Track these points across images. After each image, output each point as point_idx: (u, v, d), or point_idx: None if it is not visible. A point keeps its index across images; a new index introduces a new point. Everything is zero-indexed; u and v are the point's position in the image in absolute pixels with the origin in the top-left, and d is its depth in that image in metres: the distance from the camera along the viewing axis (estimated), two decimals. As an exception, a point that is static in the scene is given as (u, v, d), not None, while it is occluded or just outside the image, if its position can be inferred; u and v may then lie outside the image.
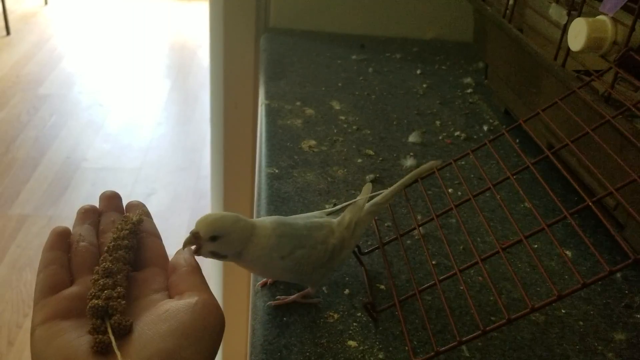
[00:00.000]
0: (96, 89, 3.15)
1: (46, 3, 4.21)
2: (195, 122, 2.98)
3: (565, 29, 0.60)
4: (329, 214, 0.52)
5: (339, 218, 0.51)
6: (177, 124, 2.97)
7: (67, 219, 2.19)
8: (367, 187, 0.53)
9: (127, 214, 0.46)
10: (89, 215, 0.47)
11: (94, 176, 2.46)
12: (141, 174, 2.52)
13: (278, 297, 0.51)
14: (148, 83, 3.32)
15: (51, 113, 2.87)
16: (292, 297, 0.50)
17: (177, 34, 3.98)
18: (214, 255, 0.45)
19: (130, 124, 2.89)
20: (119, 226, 0.44)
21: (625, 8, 0.54)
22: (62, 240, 0.43)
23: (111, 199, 0.49)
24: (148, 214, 0.47)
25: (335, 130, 0.79)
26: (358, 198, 0.52)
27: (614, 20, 0.55)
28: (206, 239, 0.44)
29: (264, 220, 0.48)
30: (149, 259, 0.44)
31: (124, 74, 3.37)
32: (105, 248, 0.42)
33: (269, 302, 0.50)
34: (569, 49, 0.59)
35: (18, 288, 1.90)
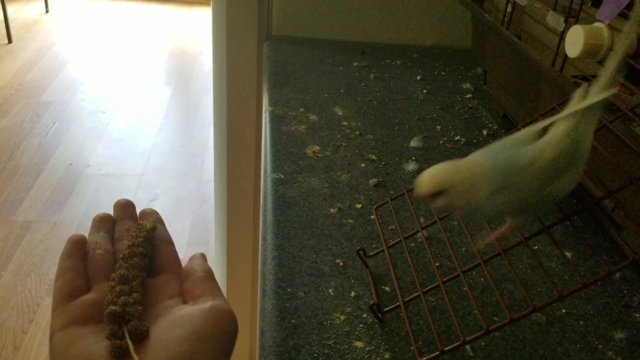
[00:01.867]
0: (99, 96, 3.17)
1: (47, 11, 4.23)
2: (197, 128, 2.99)
3: (562, 36, 0.62)
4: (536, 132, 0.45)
5: (547, 135, 0.44)
6: (179, 129, 2.99)
7: (71, 225, 2.20)
8: (579, 92, 0.46)
9: (141, 221, 0.48)
10: (104, 223, 0.48)
11: (97, 182, 2.48)
12: (144, 180, 2.53)
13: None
14: (150, 89, 3.33)
15: (54, 120, 2.89)
16: (497, 231, 0.48)
17: (179, 40, 4.00)
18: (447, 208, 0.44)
19: (132, 130, 2.91)
20: (134, 234, 0.45)
21: (621, 15, 0.56)
22: (78, 248, 0.44)
23: (125, 207, 0.50)
24: (161, 221, 0.49)
25: (338, 136, 0.81)
26: (569, 107, 0.45)
27: (610, 27, 0.56)
28: (432, 196, 0.43)
29: (475, 159, 0.45)
30: (163, 266, 0.45)
31: (126, 80, 3.39)
32: (121, 255, 0.43)
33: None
34: (566, 55, 0.60)
35: (23, 294, 1.91)
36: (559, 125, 0.44)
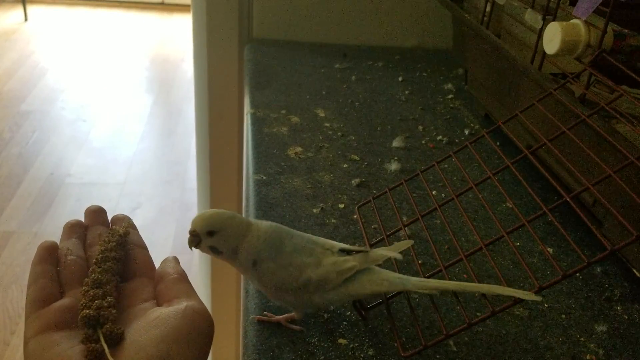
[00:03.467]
0: (79, 104, 3.14)
1: (26, 19, 4.20)
2: (179, 135, 2.98)
3: (540, 33, 0.62)
4: (345, 250, 0.48)
5: (340, 258, 0.47)
6: (161, 137, 2.97)
7: (53, 235, 2.17)
8: (399, 246, 0.49)
9: (114, 226, 0.47)
10: (75, 229, 0.48)
11: (79, 191, 2.45)
12: (126, 188, 2.51)
13: (265, 312, 0.50)
14: (131, 97, 3.31)
15: (34, 129, 2.86)
16: (277, 317, 0.50)
17: (160, 47, 3.99)
18: (213, 250, 0.47)
19: (113, 138, 2.88)
20: (106, 239, 0.45)
21: (597, 11, 0.56)
22: (50, 254, 0.44)
23: (97, 213, 0.50)
24: (134, 226, 0.48)
25: (320, 137, 0.81)
26: (381, 249, 0.49)
27: (587, 23, 0.57)
28: (204, 234, 0.46)
29: (262, 223, 0.49)
30: (136, 270, 0.45)
31: (106, 88, 3.36)
32: (94, 260, 0.43)
33: (253, 317, 0.50)
34: (545, 52, 0.61)
35: (4, 305, 1.88)
36: (353, 260, 0.47)
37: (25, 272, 2.02)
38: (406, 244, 0.50)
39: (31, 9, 4.34)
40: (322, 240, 0.49)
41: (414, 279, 0.46)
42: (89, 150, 2.75)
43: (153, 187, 2.55)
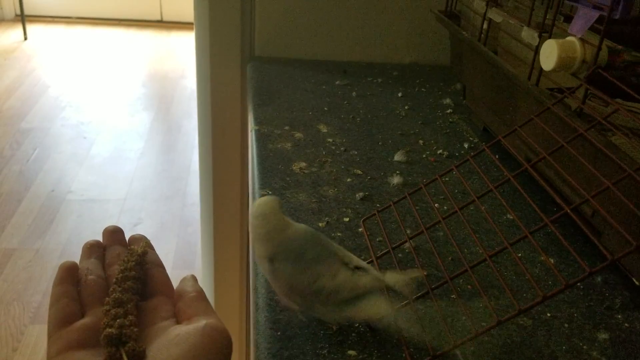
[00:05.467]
0: (79, 122, 3.16)
1: (26, 38, 4.23)
2: (179, 151, 2.99)
3: (537, 50, 0.64)
4: (360, 267, 0.50)
5: (354, 274, 0.49)
6: (161, 153, 2.99)
7: (54, 252, 2.18)
8: (411, 273, 0.50)
9: (132, 246, 0.49)
10: (94, 249, 0.49)
11: (80, 208, 2.46)
12: (127, 204, 2.52)
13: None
14: (131, 113, 3.33)
15: (34, 146, 2.88)
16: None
17: (159, 64, 4.01)
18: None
19: (114, 154, 2.90)
20: (125, 258, 0.46)
21: (592, 29, 0.58)
22: (70, 274, 0.45)
23: (114, 234, 0.51)
24: (151, 246, 0.50)
25: (324, 152, 0.82)
26: (395, 274, 0.50)
27: (582, 40, 0.59)
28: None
29: (299, 226, 0.51)
30: (155, 288, 0.46)
31: (106, 105, 3.38)
32: (114, 280, 0.44)
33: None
34: (541, 68, 0.63)
35: (6, 322, 1.88)
36: (366, 277, 0.49)
37: (27, 289, 2.02)
38: (418, 272, 0.52)
39: (30, 27, 4.37)
40: (343, 252, 0.51)
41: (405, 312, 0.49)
42: (90, 166, 2.76)
43: (153, 203, 2.56)
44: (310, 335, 0.51)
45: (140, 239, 0.50)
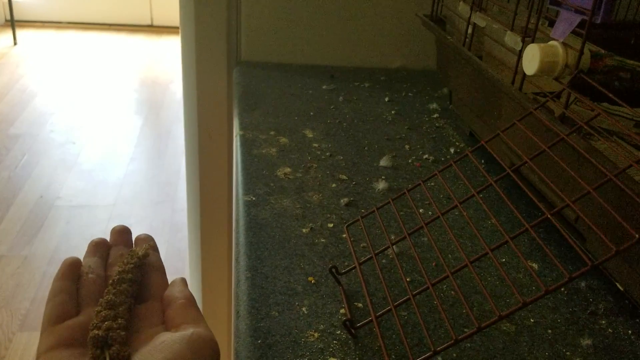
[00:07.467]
0: (68, 127, 3.14)
1: (15, 43, 4.21)
2: (168, 157, 2.98)
3: (520, 55, 0.64)
4: None
5: None
6: (151, 158, 2.97)
7: (43, 259, 2.16)
8: None
9: (134, 248, 0.48)
10: (99, 248, 0.49)
11: (69, 214, 2.44)
12: (116, 210, 2.51)
13: None
14: (120, 119, 3.32)
15: (23, 152, 2.86)
16: None
17: (149, 69, 4.01)
18: None
19: (103, 160, 2.88)
20: (125, 260, 0.46)
21: (574, 33, 0.58)
22: (72, 270, 0.45)
23: (121, 234, 0.51)
24: (155, 248, 0.49)
25: (309, 157, 0.82)
26: None
27: (565, 45, 0.59)
28: None
29: None
30: (150, 293, 0.45)
31: (95, 111, 3.37)
32: (110, 281, 0.44)
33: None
34: (524, 73, 0.62)
35: (-7, 330, 1.87)
36: None
37: (15, 295, 2.01)
38: None
39: (20, 32, 4.35)
40: None
41: None
42: (79, 172, 2.75)
43: (143, 208, 2.55)
44: (290, 343, 0.50)
45: (145, 240, 0.50)
